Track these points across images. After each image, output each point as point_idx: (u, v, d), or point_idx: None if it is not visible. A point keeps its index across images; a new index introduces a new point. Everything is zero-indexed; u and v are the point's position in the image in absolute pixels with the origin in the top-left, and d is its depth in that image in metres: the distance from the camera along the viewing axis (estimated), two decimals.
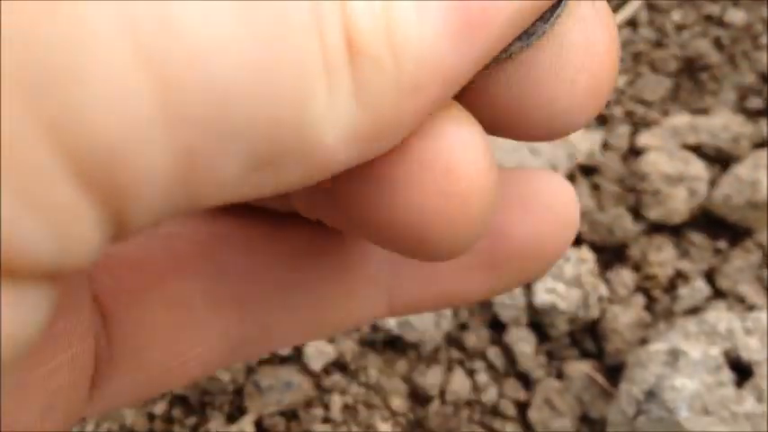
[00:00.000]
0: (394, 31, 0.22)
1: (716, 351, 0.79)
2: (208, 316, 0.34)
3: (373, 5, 0.22)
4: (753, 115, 0.99)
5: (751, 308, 0.88)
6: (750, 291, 0.91)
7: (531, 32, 0.25)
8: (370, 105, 0.22)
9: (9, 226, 0.19)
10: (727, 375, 0.78)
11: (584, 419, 0.89)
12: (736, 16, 1.05)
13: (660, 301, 0.92)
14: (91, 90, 0.19)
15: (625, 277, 0.92)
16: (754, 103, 1.00)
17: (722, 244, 0.94)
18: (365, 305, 0.36)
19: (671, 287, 0.93)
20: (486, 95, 0.27)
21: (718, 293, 0.92)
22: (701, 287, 0.91)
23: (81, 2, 0.18)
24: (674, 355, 0.79)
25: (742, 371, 0.79)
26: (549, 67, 0.26)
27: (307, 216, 0.33)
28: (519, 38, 0.25)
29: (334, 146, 0.22)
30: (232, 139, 0.21)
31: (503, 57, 0.26)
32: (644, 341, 0.88)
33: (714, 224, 0.95)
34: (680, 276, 0.93)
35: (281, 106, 0.21)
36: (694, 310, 0.90)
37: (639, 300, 0.92)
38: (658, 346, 0.81)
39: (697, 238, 0.95)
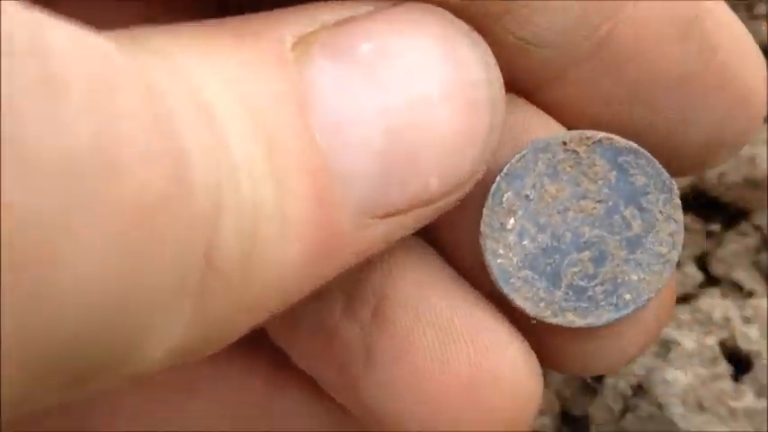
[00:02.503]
0: (254, 251, 0.21)
1: (711, 341, 0.73)
2: None
3: (243, 223, 0.21)
4: None
5: (749, 295, 0.82)
6: (746, 277, 0.84)
7: (624, 307, 0.28)
8: (204, 322, 0.21)
9: None
10: (724, 367, 0.72)
11: (566, 417, 0.84)
12: None
13: None
14: None
15: None
16: None
17: (715, 226, 0.88)
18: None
19: None
20: (558, 343, 0.29)
21: (712, 280, 0.85)
22: (692, 273, 0.84)
23: None
24: (666, 346, 0.73)
25: (740, 363, 0.73)
26: (617, 334, 0.29)
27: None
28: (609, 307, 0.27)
29: (155, 358, 0.21)
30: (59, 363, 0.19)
31: (596, 326, 0.28)
32: None
33: (706, 205, 0.88)
34: None
35: (119, 331, 0.20)
36: (685, 298, 0.82)
37: None
38: None
39: (687, 219, 0.84)
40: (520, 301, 0.28)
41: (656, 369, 0.71)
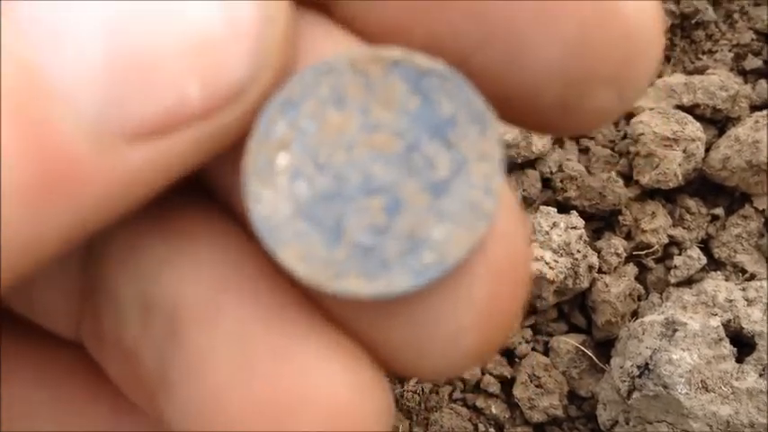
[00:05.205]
0: None
1: (716, 322, 0.75)
2: None
3: None
4: (751, 76, 0.96)
5: (751, 277, 0.84)
6: (749, 260, 0.86)
7: (424, 271, 0.21)
8: None
9: None
10: (728, 348, 0.74)
11: (573, 397, 0.87)
12: None
13: (653, 271, 0.88)
14: None
15: (616, 245, 0.87)
16: (753, 62, 0.96)
17: (719, 210, 0.91)
18: None
19: (664, 256, 0.89)
20: (375, 336, 0.23)
21: (715, 263, 0.88)
22: (696, 256, 0.87)
23: None
24: (671, 327, 0.75)
25: (743, 344, 0.75)
26: (439, 316, 0.22)
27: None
28: (411, 274, 0.22)
29: None
30: None
31: (388, 296, 0.22)
32: (635, 314, 0.85)
33: (711, 189, 0.91)
34: (674, 245, 0.89)
35: None
36: (689, 281, 0.86)
37: (631, 269, 0.87)
38: (654, 318, 0.76)
39: (692, 203, 0.90)
40: (290, 260, 0.21)
41: (662, 350, 0.73)
